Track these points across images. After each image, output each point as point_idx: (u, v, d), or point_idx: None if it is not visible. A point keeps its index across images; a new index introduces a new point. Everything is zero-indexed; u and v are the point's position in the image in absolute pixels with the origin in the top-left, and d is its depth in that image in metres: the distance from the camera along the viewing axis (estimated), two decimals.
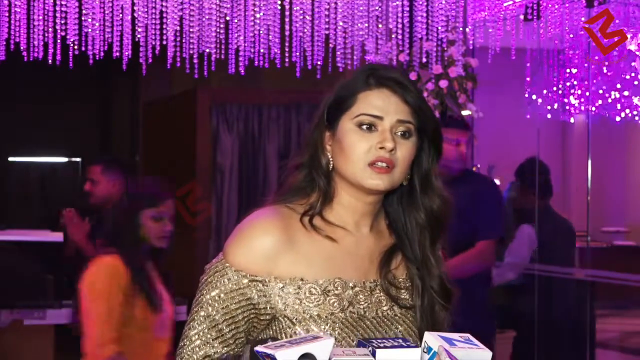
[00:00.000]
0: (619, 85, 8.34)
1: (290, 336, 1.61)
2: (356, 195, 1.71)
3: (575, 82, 8.39)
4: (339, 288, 1.66)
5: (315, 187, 1.73)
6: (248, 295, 1.65)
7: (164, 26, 5.45)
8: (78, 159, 10.18)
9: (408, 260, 1.76)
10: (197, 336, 1.66)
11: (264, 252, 1.65)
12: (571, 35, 7.03)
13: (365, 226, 1.75)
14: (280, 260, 1.65)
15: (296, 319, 1.63)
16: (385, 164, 1.66)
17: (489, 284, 4.56)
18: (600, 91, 8.41)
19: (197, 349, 1.66)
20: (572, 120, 9.74)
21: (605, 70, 8.22)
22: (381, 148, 1.66)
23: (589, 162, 6.51)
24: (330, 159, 1.72)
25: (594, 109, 8.40)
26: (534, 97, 7.93)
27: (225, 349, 1.66)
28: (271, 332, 1.66)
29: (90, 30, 5.42)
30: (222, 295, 1.65)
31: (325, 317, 1.63)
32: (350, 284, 1.68)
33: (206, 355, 1.65)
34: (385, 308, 1.71)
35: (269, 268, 1.64)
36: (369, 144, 1.67)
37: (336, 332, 1.63)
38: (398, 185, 1.71)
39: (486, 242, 4.19)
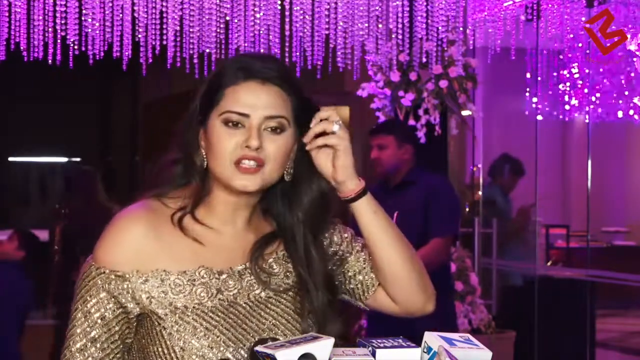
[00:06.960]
0: (618, 86, 8.35)
1: (161, 333, 1.58)
2: (230, 193, 1.64)
3: (575, 83, 8.39)
4: (205, 276, 1.60)
5: (192, 181, 1.66)
6: (119, 301, 1.59)
7: (164, 26, 5.45)
8: (78, 159, 10.17)
9: (291, 258, 1.69)
10: (78, 345, 1.59)
11: (129, 245, 1.59)
12: (571, 35, 7.03)
13: (241, 221, 1.68)
14: (143, 253, 1.59)
15: (164, 313, 1.58)
16: (254, 162, 1.59)
17: (449, 274, 4.63)
18: (600, 91, 8.41)
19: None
20: (572, 120, 9.74)
21: (605, 70, 8.22)
22: (247, 147, 1.58)
23: (589, 162, 6.51)
24: (204, 158, 1.64)
25: (593, 108, 8.40)
26: (534, 98, 7.93)
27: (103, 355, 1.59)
28: (142, 331, 1.60)
29: (90, 30, 5.42)
30: (96, 306, 1.59)
31: (193, 307, 1.58)
32: (216, 271, 1.61)
33: None
34: (257, 291, 1.64)
35: (134, 261, 1.58)
36: (235, 141, 1.59)
37: (205, 322, 1.57)
38: (272, 183, 1.64)
39: (439, 240, 4.21)
